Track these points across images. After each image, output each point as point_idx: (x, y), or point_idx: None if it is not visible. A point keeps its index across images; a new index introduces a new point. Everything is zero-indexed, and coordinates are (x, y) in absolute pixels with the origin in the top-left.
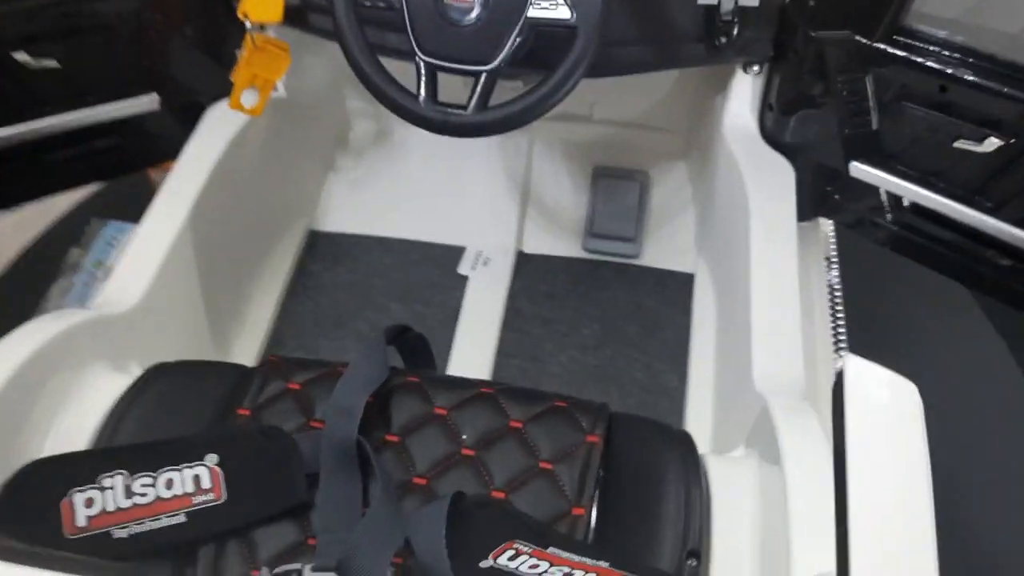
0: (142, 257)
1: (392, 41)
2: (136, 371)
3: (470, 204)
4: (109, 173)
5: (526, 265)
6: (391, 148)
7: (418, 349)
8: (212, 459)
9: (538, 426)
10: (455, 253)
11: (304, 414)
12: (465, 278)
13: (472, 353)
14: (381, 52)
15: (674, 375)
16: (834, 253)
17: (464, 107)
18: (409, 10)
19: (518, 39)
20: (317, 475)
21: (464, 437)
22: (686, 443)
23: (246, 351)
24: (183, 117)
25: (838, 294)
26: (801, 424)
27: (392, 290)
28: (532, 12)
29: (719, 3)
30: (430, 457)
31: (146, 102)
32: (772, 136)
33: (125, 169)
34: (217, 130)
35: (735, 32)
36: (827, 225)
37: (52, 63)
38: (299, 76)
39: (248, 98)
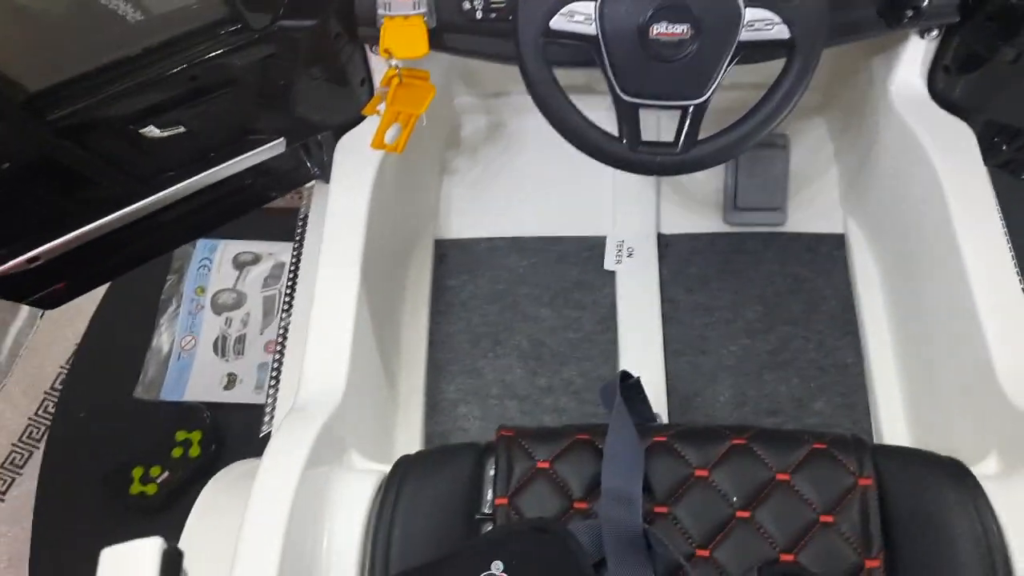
0: (331, 342)
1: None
2: (360, 461)
3: (600, 190)
4: (231, 216)
5: (669, 248)
6: (507, 142)
7: (637, 394)
8: (498, 566)
9: (804, 475)
10: (593, 244)
11: (562, 496)
12: (612, 273)
13: (641, 357)
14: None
15: (849, 350)
16: None
17: (672, 144)
18: (608, 49)
19: (729, 67)
20: (597, 564)
21: (734, 499)
22: (962, 473)
23: (413, 384)
24: (305, 146)
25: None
26: None
27: (540, 296)
28: (745, 35)
29: None
30: (705, 525)
31: (271, 147)
32: (944, 97)
33: (248, 208)
34: (356, 176)
35: (925, 4)
36: None
37: (179, 129)
38: None
39: (389, 134)
